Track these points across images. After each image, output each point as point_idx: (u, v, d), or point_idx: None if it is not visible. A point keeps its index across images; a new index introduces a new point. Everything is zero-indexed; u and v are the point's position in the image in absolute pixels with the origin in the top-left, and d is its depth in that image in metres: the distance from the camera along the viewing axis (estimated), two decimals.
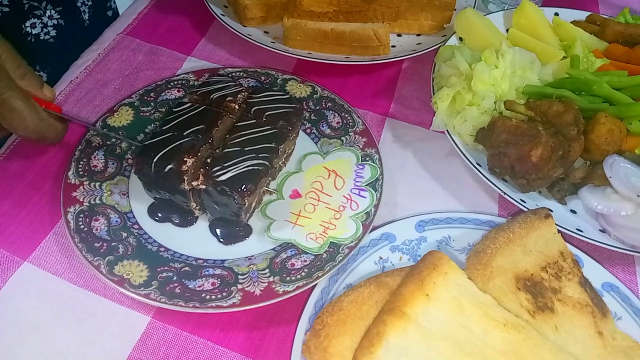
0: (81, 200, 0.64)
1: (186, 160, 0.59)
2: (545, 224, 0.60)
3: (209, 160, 0.61)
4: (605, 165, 0.66)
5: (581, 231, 0.63)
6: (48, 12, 0.87)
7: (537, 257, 0.57)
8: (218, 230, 0.64)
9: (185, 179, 0.59)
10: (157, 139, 0.61)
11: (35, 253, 0.62)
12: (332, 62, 0.82)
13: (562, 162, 0.66)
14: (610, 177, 0.65)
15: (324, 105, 0.77)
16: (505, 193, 0.65)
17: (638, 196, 0.64)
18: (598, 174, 0.67)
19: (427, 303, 0.51)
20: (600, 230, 0.65)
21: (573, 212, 0.68)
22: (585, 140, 0.67)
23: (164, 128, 0.63)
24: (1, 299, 0.59)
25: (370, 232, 0.63)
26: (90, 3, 0.96)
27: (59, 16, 0.88)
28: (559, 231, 0.61)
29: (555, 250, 0.59)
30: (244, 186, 0.59)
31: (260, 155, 0.62)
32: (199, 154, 0.60)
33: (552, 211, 0.63)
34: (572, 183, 0.68)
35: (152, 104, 0.74)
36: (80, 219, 0.62)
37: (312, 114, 0.76)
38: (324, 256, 0.60)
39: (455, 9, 0.90)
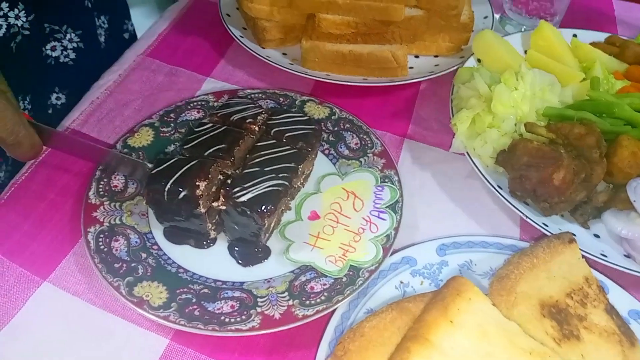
0: (101, 220, 0.64)
1: (199, 185, 0.59)
2: (569, 249, 0.59)
3: (229, 181, 0.61)
4: (628, 188, 0.65)
5: (605, 256, 0.62)
6: (68, 36, 0.88)
7: (561, 282, 0.56)
8: (237, 252, 0.64)
9: (201, 202, 0.59)
10: (164, 166, 0.61)
11: (55, 273, 0.63)
12: (350, 83, 0.82)
13: (585, 186, 0.65)
14: (634, 200, 0.64)
15: (342, 127, 0.77)
16: (527, 216, 0.65)
17: None
18: (621, 197, 0.66)
19: (451, 330, 0.50)
20: (625, 255, 0.64)
21: (596, 236, 0.67)
22: (608, 163, 0.67)
23: (171, 152, 0.64)
24: (21, 319, 0.59)
25: (390, 255, 0.62)
26: (107, 26, 0.98)
27: (78, 39, 0.90)
28: (582, 256, 0.60)
29: (579, 276, 0.58)
30: (263, 207, 0.59)
31: (280, 175, 0.62)
32: (210, 176, 0.60)
33: (575, 235, 0.62)
34: (595, 207, 0.67)
35: (172, 124, 0.75)
36: (101, 239, 0.62)
37: (331, 135, 0.76)
38: (343, 280, 0.60)
39: (472, 31, 0.91)
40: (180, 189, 0.59)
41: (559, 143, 0.68)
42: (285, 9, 0.84)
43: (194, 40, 0.93)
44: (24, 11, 0.80)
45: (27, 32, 0.82)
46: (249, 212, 0.59)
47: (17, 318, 0.59)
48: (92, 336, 0.58)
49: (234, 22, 0.90)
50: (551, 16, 0.97)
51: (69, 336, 0.58)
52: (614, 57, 0.86)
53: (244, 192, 0.59)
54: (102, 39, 0.97)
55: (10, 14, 0.79)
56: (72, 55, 0.90)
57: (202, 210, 0.60)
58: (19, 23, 0.81)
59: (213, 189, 0.61)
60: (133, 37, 1.09)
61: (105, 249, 0.61)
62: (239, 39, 0.86)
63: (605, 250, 0.63)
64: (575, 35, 0.91)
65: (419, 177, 0.75)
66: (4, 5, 0.78)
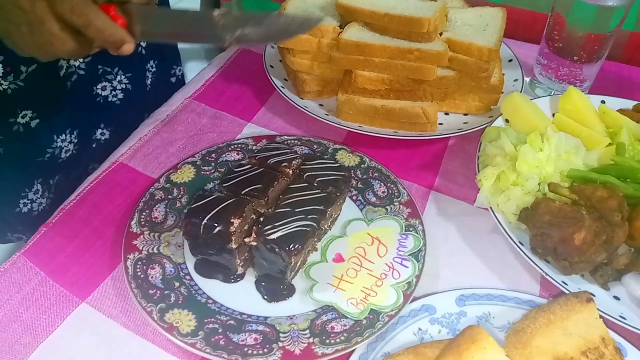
0: (140, 248, 0.68)
1: (233, 222, 0.63)
2: (586, 308, 0.60)
3: (261, 219, 0.66)
4: None
5: (624, 318, 0.62)
6: (119, 77, 0.96)
7: (577, 340, 0.57)
8: (263, 287, 0.67)
9: (233, 239, 0.63)
10: (203, 202, 0.66)
11: (93, 295, 0.67)
12: (381, 135, 0.86)
13: (606, 247, 0.66)
14: None
15: (371, 175, 0.80)
16: (547, 274, 0.66)
17: None
18: None
19: None
20: None
21: (616, 298, 0.67)
22: (630, 227, 0.68)
23: (210, 189, 0.71)
24: (58, 335, 0.63)
25: (410, 302, 0.64)
26: (154, 69, 1.05)
27: (127, 81, 0.97)
28: (601, 317, 0.61)
29: (596, 336, 0.58)
30: (291, 245, 0.62)
31: (309, 216, 0.66)
32: (244, 214, 0.64)
33: (594, 295, 0.63)
34: (616, 269, 0.68)
35: (213, 164, 0.80)
36: (138, 266, 0.66)
37: (359, 183, 0.79)
38: (363, 322, 0.62)
39: (502, 92, 0.95)
40: (216, 225, 0.64)
41: (581, 204, 0.70)
42: (324, 64, 0.90)
43: (238, 88, 1.00)
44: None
45: (82, 72, 0.90)
46: (277, 250, 0.62)
47: (55, 335, 0.63)
48: (122, 357, 0.61)
49: (276, 73, 0.97)
50: (581, 82, 1.00)
51: (101, 356, 0.61)
52: None
53: (275, 230, 0.63)
54: (148, 81, 1.05)
55: None
56: (120, 95, 0.97)
57: (234, 246, 0.64)
58: (77, 64, 0.89)
59: (246, 227, 0.66)
60: (180, 82, 1.17)
61: (142, 276, 0.65)
62: (280, 89, 0.92)
63: (624, 312, 0.64)
64: (603, 102, 0.93)
65: (443, 229, 0.77)
66: None
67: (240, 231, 0.64)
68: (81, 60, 0.89)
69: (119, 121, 0.98)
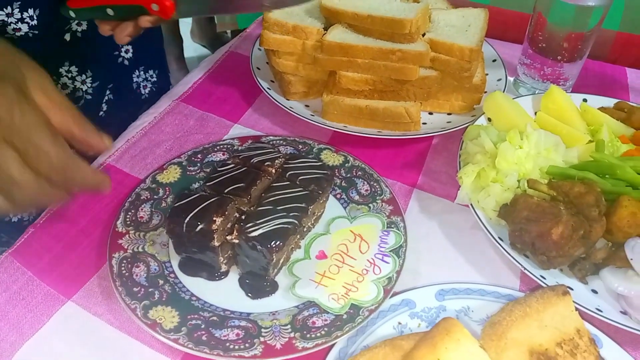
0: (125, 247, 0.69)
1: (215, 220, 0.64)
2: (562, 301, 0.61)
3: (243, 217, 0.67)
4: (626, 247, 0.67)
5: (601, 311, 0.63)
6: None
7: (552, 332, 0.58)
8: (247, 285, 0.68)
9: (215, 237, 0.64)
10: (186, 200, 0.67)
11: (79, 293, 0.68)
12: (365, 135, 0.88)
13: (583, 242, 0.67)
14: (632, 259, 0.66)
15: (354, 174, 0.82)
16: (525, 268, 0.67)
17: None
18: (620, 255, 0.67)
19: None
20: (621, 312, 0.65)
21: (594, 292, 0.68)
22: (608, 222, 0.69)
23: (195, 189, 0.72)
24: (44, 333, 0.64)
25: (390, 297, 0.65)
26: (154, 79, 1.06)
27: (108, 92, 0.98)
28: (577, 309, 0.62)
29: (571, 328, 0.59)
30: (273, 243, 0.64)
31: (291, 214, 0.67)
32: (227, 213, 0.65)
33: (572, 289, 0.64)
34: (594, 263, 0.69)
35: (199, 164, 0.81)
36: (123, 265, 0.67)
37: (343, 181, 0.81)
38: (344, 317, 0.63)
39: (485, 92, 0.96)
40: (198, 223, 0.65)
41: (559, 200, 0.71)
42: (309, 66, 0.92)
43: (225, 90, 1.01)
44: (90, 78, 0.90)
45: (89, 97, 0.91)
46: (259, 247, 0.63)
47: (41, 333, 0.64)
48: (107, 354, 0.62)
49: (263, 75, 0.98)
50: (564, 81, 1.01)
51: (86, 353, 0.62)
52: (621, 121, 0.89)
53: (256, 227, 0.64)
54: (146, 90, 1.06)
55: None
56: (104, 107, 0.98)
57: (216, 244, 0.65)
58: (84, 88, 0.90)
59: (228, 225, 0.67)
60: None
61: (127, 274, 0.66)
62: (266, 91, 0.93)
63: (601, 305, 0.65)
64: (585, 100, 0.95)
65: (425, 226, 0.78)
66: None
67: (222, 229, 0.65)
68: (89, 85, 0.90)
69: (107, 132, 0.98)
